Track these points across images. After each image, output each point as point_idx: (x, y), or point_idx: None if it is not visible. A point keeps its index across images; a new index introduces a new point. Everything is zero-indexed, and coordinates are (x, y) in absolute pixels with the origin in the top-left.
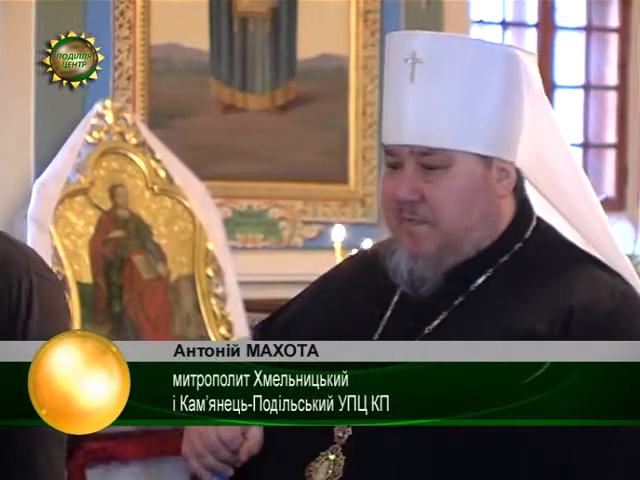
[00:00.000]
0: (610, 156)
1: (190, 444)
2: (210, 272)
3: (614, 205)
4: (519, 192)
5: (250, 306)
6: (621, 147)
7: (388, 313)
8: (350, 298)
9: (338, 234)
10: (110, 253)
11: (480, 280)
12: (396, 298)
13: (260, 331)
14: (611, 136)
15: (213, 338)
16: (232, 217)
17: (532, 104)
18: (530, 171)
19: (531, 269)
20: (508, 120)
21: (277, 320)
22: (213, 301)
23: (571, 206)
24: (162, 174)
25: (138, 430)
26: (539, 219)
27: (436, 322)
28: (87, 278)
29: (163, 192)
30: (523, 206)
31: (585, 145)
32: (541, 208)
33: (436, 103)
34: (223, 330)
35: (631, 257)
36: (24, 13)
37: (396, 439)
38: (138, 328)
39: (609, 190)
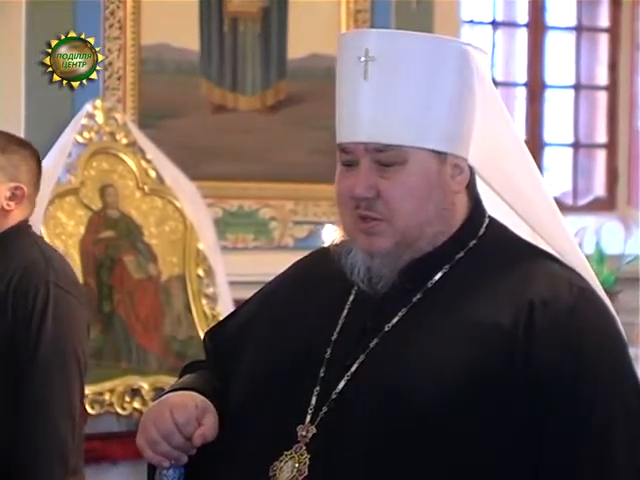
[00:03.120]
0: (600, 156)
1: (144, 433)
2: (201, 272)
3: (604, 205)
4: (472, 189)
5: None
6: (611, 147)
7: (344, 312)
8: (305, 298)
9: (329, 234)
10: (101, 253)
11: (437, 276)
12: (352, 297)
13: (210, 337)
14: (601, 136)
15: None
16: (223, 217)
17: (484, 101)
18: (483, 168)
19: (487, 265)
20: (461, 116)
21: (228, 325)
22: (204, 301)
23: (525, 202)
24: (152, 174)
25: (128, 431)
26: (490, 217)
27: (395, 319)
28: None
29: (154, 192)
30: (476, 203)
31: (575, 145)
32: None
33: (389, 100)
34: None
35: (622, 257)
36: (14, 13)
37: (362, 437)
38: (128, 328)
39: (599, 190)
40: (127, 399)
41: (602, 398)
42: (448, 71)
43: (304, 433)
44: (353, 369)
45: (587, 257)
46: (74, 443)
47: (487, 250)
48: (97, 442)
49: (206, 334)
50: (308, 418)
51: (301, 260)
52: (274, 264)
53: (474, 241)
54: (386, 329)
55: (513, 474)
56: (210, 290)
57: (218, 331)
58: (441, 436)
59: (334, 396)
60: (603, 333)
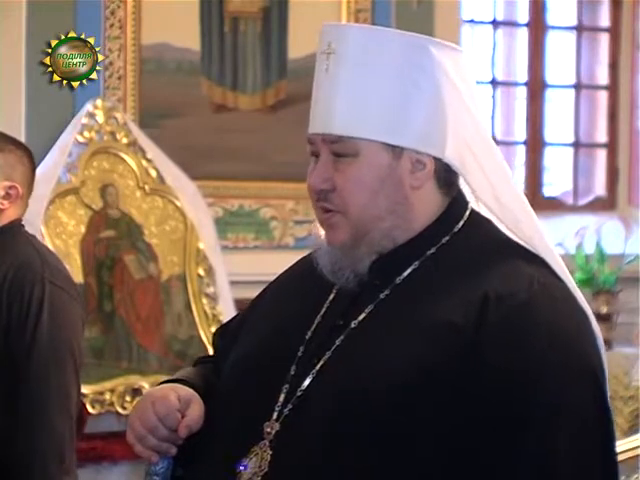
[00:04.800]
0: (601, 155)
1: (132, 430)
2: (201, 272)
3: (605, 205)
4: (448, 185)
5: (241, 306)
6: (612, 146)
7: (322, 311)
8: (298, 296)
9: None
10: (101, 253)
11: (406, 272)
12: (331, 297)
13: (218, 334)
14: (602, 136)
15: (204, 338)
16: (223, 217)
17: (454, 99)
18: (462, 166)
19: (456, 262)
20: (419, 111)
21: (232, 323)
22: (204, 301)
23: (500, 204)
24: (153, 174)
25: None
26: (473, 212)
27: (362, 316)
28: (78, 278)
29: (154, 192)
30: (454, 199)
31: (576, 144)
32: None
33: (342, 92)
34: (214, 330)
35: (622, 256)
36: (15, 13)
37: (318, 434)
38: (129, 328)
39: (600, 190)
40: (128, 398)
41: (542, 397)
42: (399, 65)
43: (269, 430)
44: (318, 367)
45: (587, 257)
46: (72, 440)
47: (460, 247)
48: (98, 441)
49: (215, 331)
50: (275, 415)
51: (304, 257)
52: (274, 264)
53: (447, 237)
54: (352, 326)
55: (459, 471)
56: (210, 290)
57: (224, 328)
58: (391, 436)
59: (299, 393)
60: (558, 331)
